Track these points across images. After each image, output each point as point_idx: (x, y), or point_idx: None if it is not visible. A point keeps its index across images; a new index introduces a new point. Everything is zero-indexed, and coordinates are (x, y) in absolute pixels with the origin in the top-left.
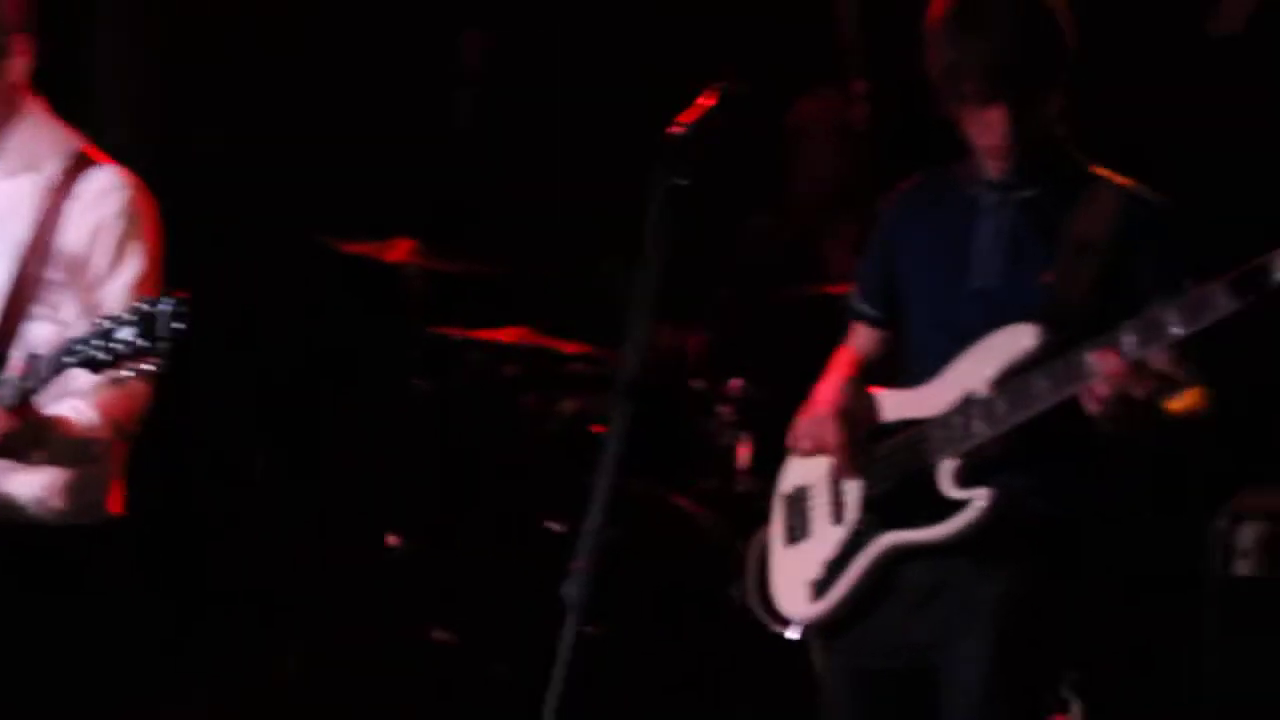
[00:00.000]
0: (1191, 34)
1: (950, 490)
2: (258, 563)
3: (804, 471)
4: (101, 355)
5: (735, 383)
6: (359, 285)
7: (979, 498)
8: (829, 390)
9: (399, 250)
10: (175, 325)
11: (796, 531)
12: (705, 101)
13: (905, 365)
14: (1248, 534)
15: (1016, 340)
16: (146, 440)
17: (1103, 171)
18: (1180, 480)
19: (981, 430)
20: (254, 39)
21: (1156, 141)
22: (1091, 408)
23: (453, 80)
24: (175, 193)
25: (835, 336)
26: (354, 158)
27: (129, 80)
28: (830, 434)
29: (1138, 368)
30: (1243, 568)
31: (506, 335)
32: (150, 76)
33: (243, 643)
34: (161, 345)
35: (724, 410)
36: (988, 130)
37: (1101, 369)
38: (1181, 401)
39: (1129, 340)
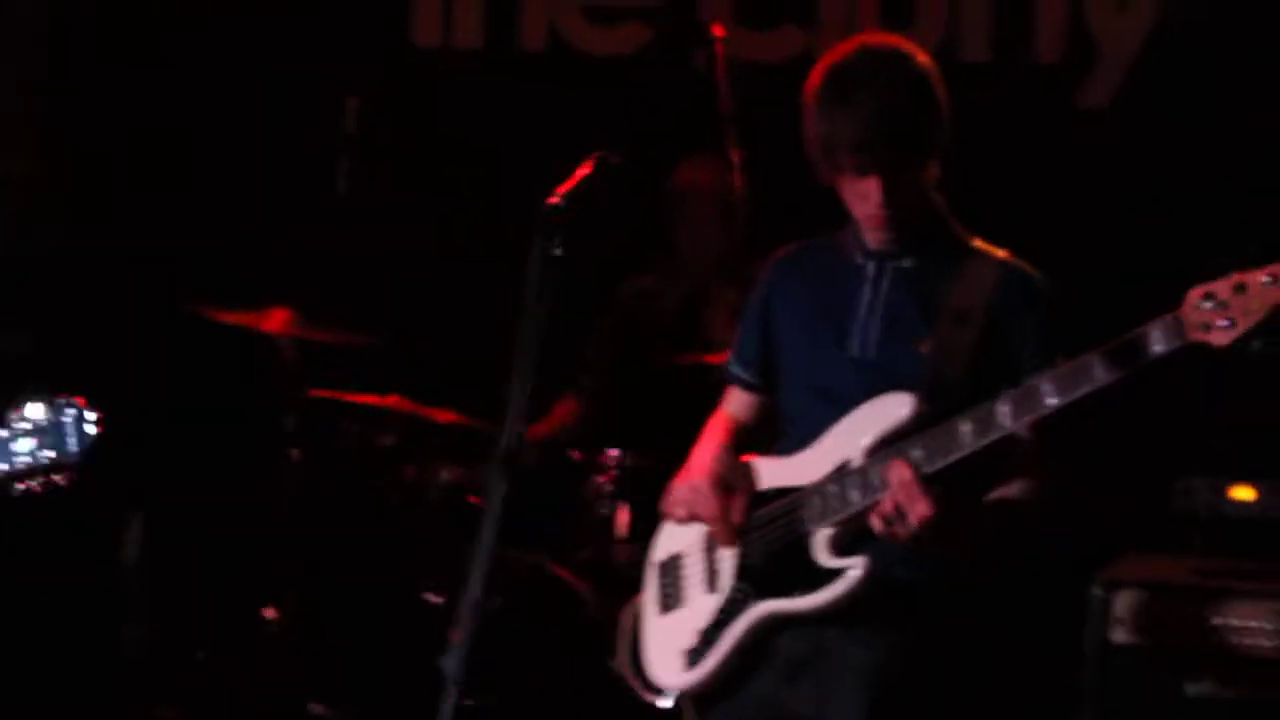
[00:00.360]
0: (1060, 108)
1: (825, 559)
2: (131, 634)
3: (678, 539)
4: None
5: (612, 452)
6: (233, 354)
7: (854, 567)
8: (704, 457)
9: (274, 319)
10: (85, 430)
11: (670, 600)
12: (582, 172)
13: (782, 431)
14: (1124, 601)
15: (892, 409)
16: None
17: (981, 244)
18: (1056, 549)
19: (856, 499)
20: (131, 102)
21: (1029, 214)
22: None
23: (333, 147)
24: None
25: (714, 405)
26: (229, 225)
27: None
28: (706, 502)
29: (921, 488)
30: (1119, 635)
31: (382, 403)
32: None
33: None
34: (72, 455)
35: (601, 480)
36: (864, 200)
37: (889, 480)
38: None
39: (1005, 409)
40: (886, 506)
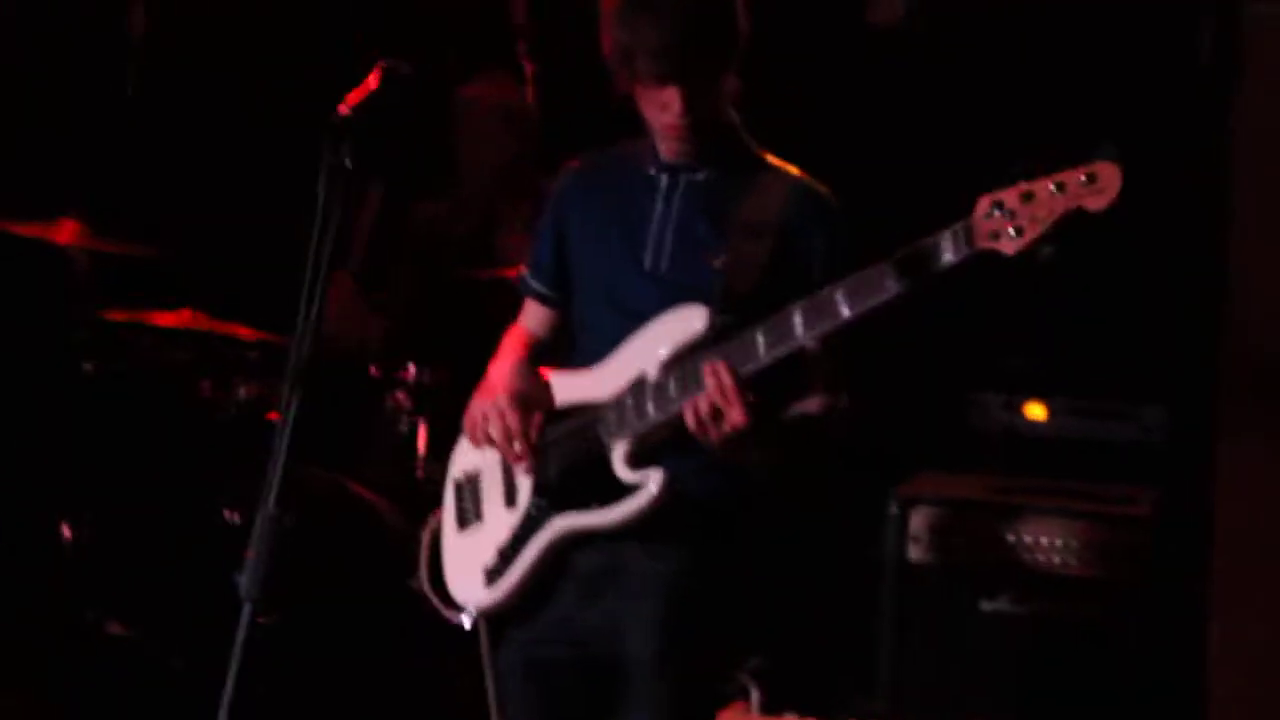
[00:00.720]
0: (852, 25)
1: (623, 473)
2: None
3: (476, 456)
4: None
5: (411, 368)
6: (22, 266)
7: (651, 480)
8: (501, 373)
9: (64, 231)
10: None
11: (468, 516)
12: (371, 82)
13: (577, 345)
14: (919, 518)
15: (687, 322)
16: None
17: (774, 159)
18: (854, 464)
19: (653, 413)
20: None
21: (823, 131)
22: (687, 421)
23: (119, 51)
24: None
25: (511, 320)
26: (12, 132)
27: None
28: (504, 418)
29: (739, 392)
30: (915, 552)
31: (177, 319)
32: None
33: None
34: None
35: (401, 397)
36: (663, 110)
37: (707, 383)
38: (811, 403)
39: (798, 320)
40: (703, 407)
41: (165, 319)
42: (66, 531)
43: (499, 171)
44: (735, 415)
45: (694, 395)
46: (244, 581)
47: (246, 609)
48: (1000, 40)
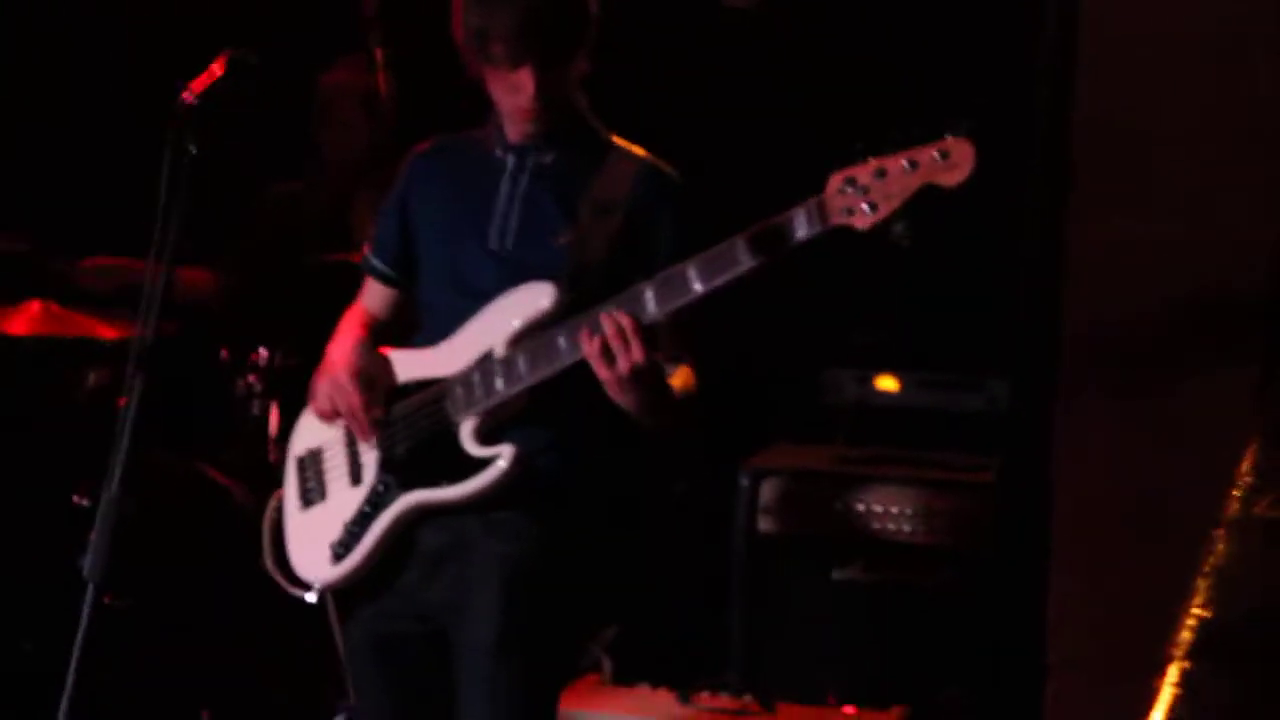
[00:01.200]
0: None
1: (472, 449)
2: None
3: (318, 433)
4: None
5: (262, 351)
6: None
7: (501, 455)
8: (342, 351)
9: None
10: None
11: (313, 494)
12: (215, 69)
13: (419, 325)
14: (769, 490)
15: (534, 299)
16: None
17: (620, 141)
18: (706, 437)
19: (501, 388)
20: None
21: (670, 113)
22: (598, 369)
23: None
24: None
25: None
26: None
27: None
28: (346, 395)
29: (646, 329)
30: (766, 523)
31: (26, 318)
32: None
33: None
34: None
35: (251, 379)
36: (514, 93)
37: (606, 328)
38: (675, 379)
39: (649, 295)
40: (599, 346)
41: (16, 323)
42: None
43: (354, 155)
44: (636, 352)
45: (543, 371)
46: (87, 563)
47: (90, 590)
48: (853, 17)
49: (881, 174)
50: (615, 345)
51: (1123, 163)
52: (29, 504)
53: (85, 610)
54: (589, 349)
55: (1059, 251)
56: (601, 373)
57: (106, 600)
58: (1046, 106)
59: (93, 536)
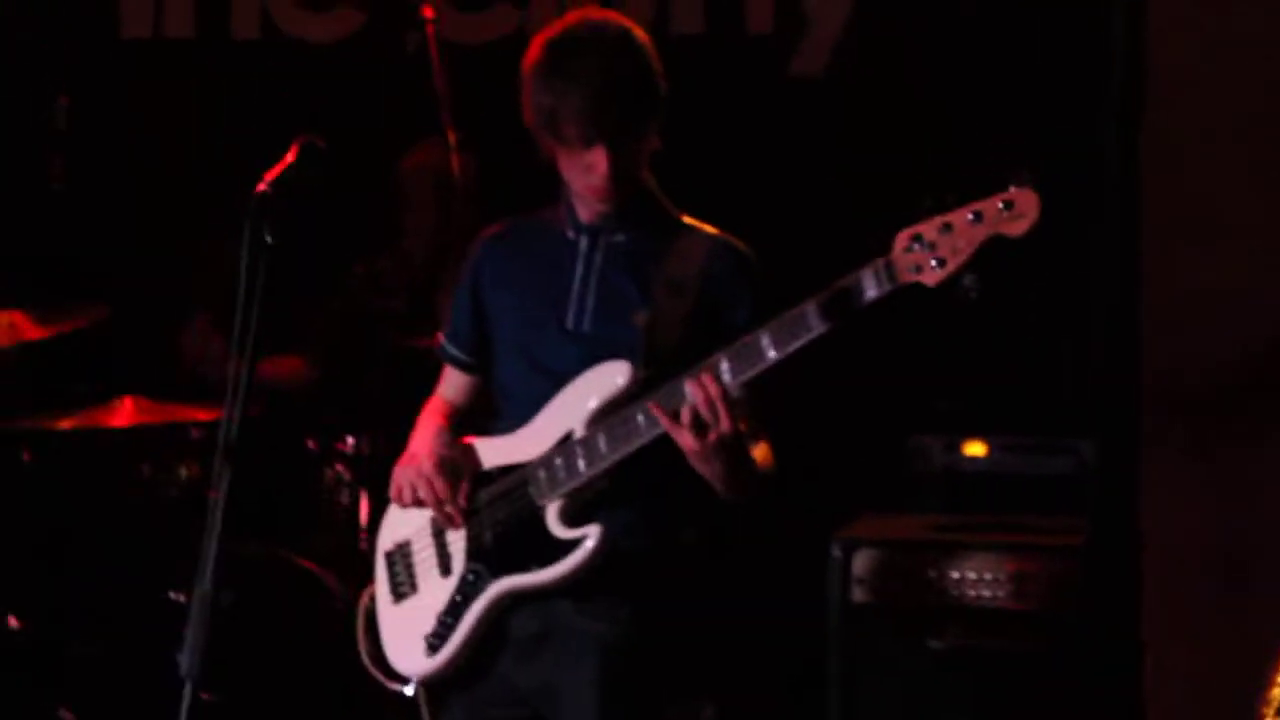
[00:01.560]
0: (771, 78)
1: (559, 531)
2: None
3: (405, 525)
4: None
5: (349, 439)
6: None
7: (590, 536)
8: (423, 440)
9: None
10: None
11: (403, 587)
12: (288, 157)
13: (499, 411)
14: (862, 561)
15: (610, 377)
16: None
17: (691, 220)
18: (794, 510)
19: (583, 469)
20: None
21: (744, 184)
22: (683, 440)
23: (45, 144)
24: None
25: None
26: None
27: None
28: (430, 485)
29: (730, 398)
30: (859, 594)
31: (121, 414)
32: None
33: None
34: None
35: (340, 468)
36: (587, 172)
37: (695, 395)
38: (754, 452)
39: (724, 366)
40: (690, 416)
41: (114, 418)
42: (13, 621)
43: (432, 237)
44: (724, 420)
45: (623, 450)
46: (183, 659)
47: (187, 687)
48: (915, 76)
49: (947, 229)
50: (705, 413)
51: (1193, 214)
52: (126, 602)
53: (183, 707)
54: (673, 421)
55: (1135, 306)
56: (687, 442)
57: (205, 697)
58: (1117, 162)
59: (188, 633)
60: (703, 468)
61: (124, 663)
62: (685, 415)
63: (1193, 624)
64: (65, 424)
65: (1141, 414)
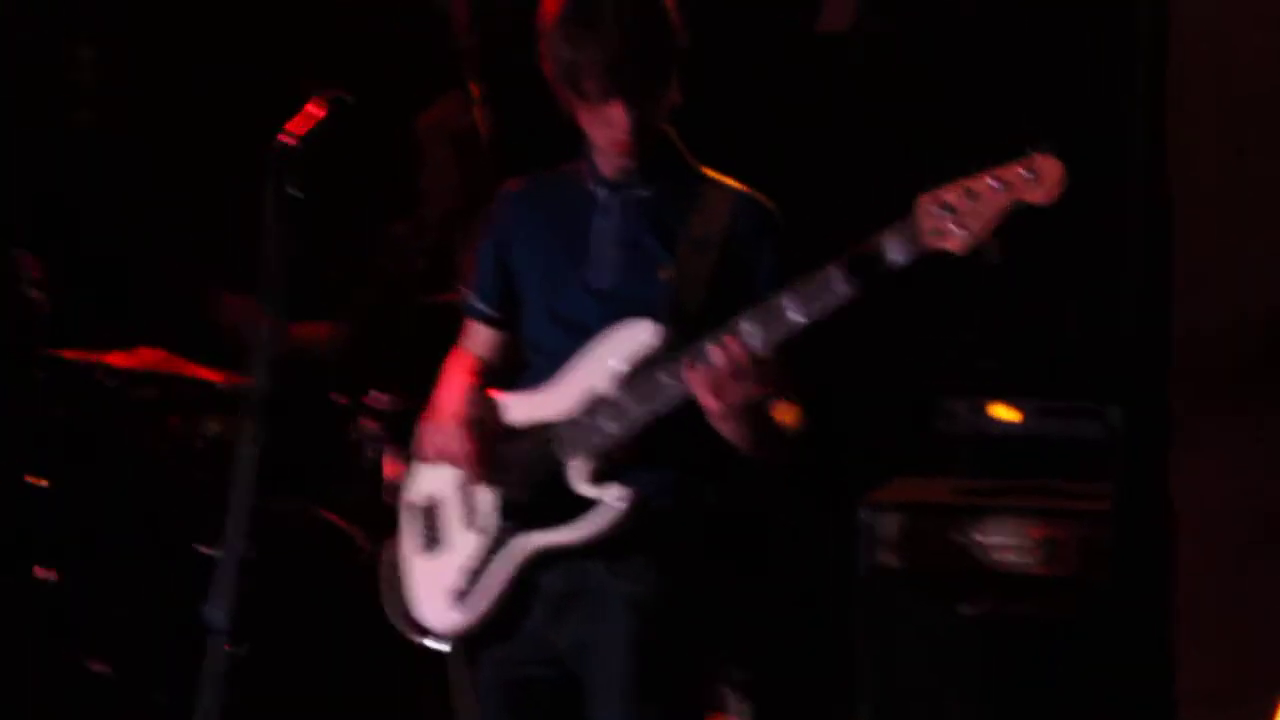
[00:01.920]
0: (798, 33)
1: (586, 490)
2: None
3: (432, 480)
4: None
5: (377, 395)
6: None
7: (616, 495)
8: (451, 396)
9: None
10: None
11: (431, 541)
12: (313, 110)
13: (528, 365)
14: (889, 524)
15: (637, 336)
16: None
17: (714, 174)
18: (821, 474)
19: (611, 428)
20: None
21: (771, 139)
22: (706, 400)
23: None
24: None
25: None
26: None
27: None
28: (456, 441)
29: (754, 360)
30: (887, 558)
31: (141, 357)
32: None
33: None
34: None
35: (368, 424)
36: (608, 126)
37: (716, 359)
38: (785, 415)
39: (748, 329)
40: (710, 377)
41: (123, 359)
42: (41, 572)
43: (450, 195)
44: (745, 384)
45: (649, 409)
46: (211, 613)
47: (215, 640)
48: (940, 38)
49: (970, 194)
50: (727, 376)
51: (1221, 175)
52: (155, 555)
53: (211, 660)
54: (697, 379)
55: (1165, 268)
56: (708, 402)
57: (228, 648)
58: (1144, 128)
59: (215, 585)
60: (723, 427)
61: (152, 616)
62: (704, 375)
63: (1225, 590)
64: (69, 354)
65: (1171, 378)
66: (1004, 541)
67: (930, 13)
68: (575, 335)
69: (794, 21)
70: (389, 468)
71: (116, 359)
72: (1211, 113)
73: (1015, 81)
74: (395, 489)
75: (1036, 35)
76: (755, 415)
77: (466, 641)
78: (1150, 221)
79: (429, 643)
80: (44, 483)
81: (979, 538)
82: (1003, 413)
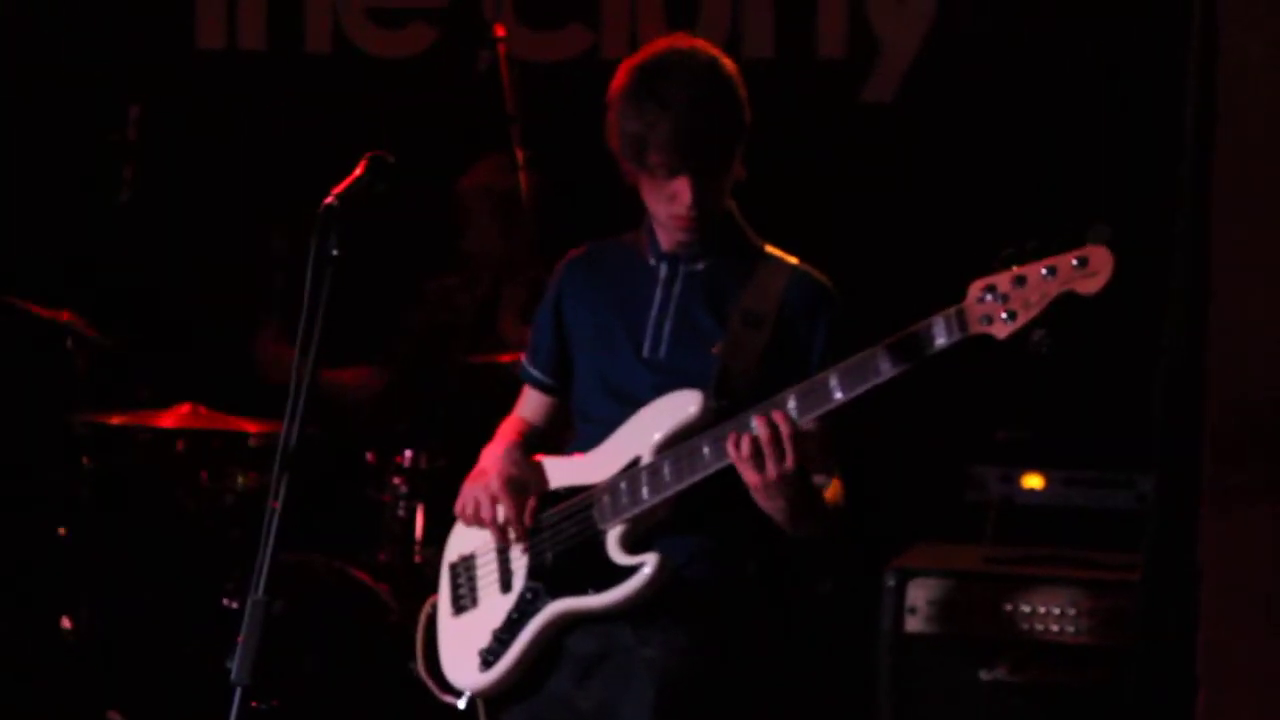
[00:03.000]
0: (844, 104)
1: (619, 556)
2: None
3: (470, 539)
4: None
5: (407, 453)
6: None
7: (648, 563)
8: (494, 457)
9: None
10: None
11: (464, 600)
12: (356, 172)
13: (578, 434)
14: (916, 591)
15: (681, 406)
16: None
17: (772, 249)
18: (849, 540)
19: (647, 496)
20: None
21: (815, 208)
22: (747, 475)
23: (116, 153)
24: None
25: (507, 405)
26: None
27: None
28: (497, 502)
29: (796, 435)
30: (913, 624)
31: (175, 415)
32: None
33: None
34: None
35: (397, 481)
36: (671, 201)
37: (761, 433)
38: (826, 491)
39: (792, 404)
40: (751, 450)
41: (164, 419)
42: (66, 623)
43: (497, 257)
44: (788, 457)
45: (687, 479)
46: (234, 666)
47: (237, 694)
48: (992, 118)
49: (1021, 281)
50: (768, 449)
51: (1261, 244)
52: (180, 607)
53: (233, 713)
54: (738, 453)
55: (1199, 341)
56: (750, 477)
57: (254, 705)
58: (1190, 192)
59: (239, 640)
60: (766, 504)
61: (175, 668)
62: (746, 449)
63: (1249, 664)
64: (116, 420)
65: (1204, 449)
66: (1030, 609)
67: (976, 86)
68: (625, 405)
69: (839, 93)
70: (418, 526)
71: (152, 417)
72: (1254, 175)
73: (1059, 147)
74: (424, 547)
75: (1079, 100)
76: (796, 490)
77: (490, 702)
78: (1187, 291)
79: (454, 702)
80: (74, 534)
81: (1006, 605)
82: (1032, 481)
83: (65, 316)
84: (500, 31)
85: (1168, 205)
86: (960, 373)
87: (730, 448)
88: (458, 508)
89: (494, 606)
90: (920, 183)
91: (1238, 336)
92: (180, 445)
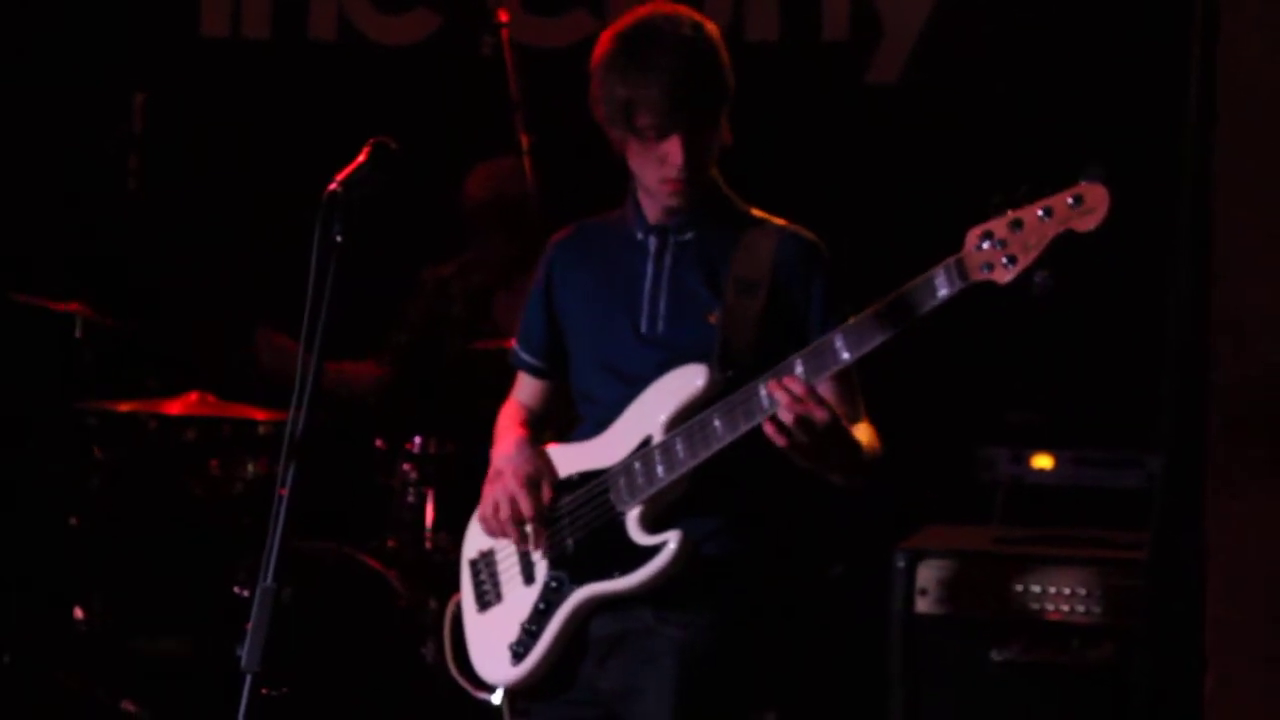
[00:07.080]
0: (849, 86)
1: (640, 537)
2: None
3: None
4: None
5: (416, 439)
6: (35, 345)
7: (670, 540)
8: (506, 456)
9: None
10: None
11: (488, 596)
12: (360, 159)
13: (581, 415)
14: (926, 571)
15: (688, 381)
16: None
17: (758, 212)
18: (861, 520)
19: (662, 474)
20: None
21: (820, 190)
22: (778, 441)
23: (121, 143)
24: None
25: (508, 390)
26: (17, 225)
27: None
28: (516, 503)
29: (813, 393)
30: (923, 605)
31: (183, 403)
32: None
33: None
34: None
35: (407, 468)
36: (661, 164)
37: (780, 398)
38: (860, 434)
39: (799, 369)
40: (787, 418)
41: (172, 407)
42: (78, 612)
43: (501, 255)
44: (818, 411)
45: (701, 454)
46: (244, 654)
47: (247, 681)
48: (995, 99)
49: (1018, 225)
50: (794, 413)
51: (1264, 227)
52: (191, 596)
53: (243, 700)
54: (769, 427)
55: (1205, 321)
56: (781, 441)
57: (264, 692)
58: (1192, 173)
59: (249, 627)
60: (812, 464)
61: (187, 656)
62: (773, 424)
63: (1257, 643)
64: (125, 408)
65: (1211, 428)
66: (1040, 589)
67: (980, 67)
68: (627, 384)
69: (843, 75)
70: (428, 512)
71: (162, 405)
72: (1261, 154)
73: (1062, 126)
74: (434, 532)
75: (1082, 78)
76: (838, 439)
77: (517, 694)
78: (1194, 272)
79: (489, 698)
80: (84, 523)
81: (1016, 585)
82: (1041, 461)
83: (74, 307)
84: (503, 17)
85: (1172, 183)
86: (969, 353)
87: (768, 424)
88: (481, 515)
89: (519, 599)
90: (926, 164)
91: (1243, 317)
92: (190, 434)
